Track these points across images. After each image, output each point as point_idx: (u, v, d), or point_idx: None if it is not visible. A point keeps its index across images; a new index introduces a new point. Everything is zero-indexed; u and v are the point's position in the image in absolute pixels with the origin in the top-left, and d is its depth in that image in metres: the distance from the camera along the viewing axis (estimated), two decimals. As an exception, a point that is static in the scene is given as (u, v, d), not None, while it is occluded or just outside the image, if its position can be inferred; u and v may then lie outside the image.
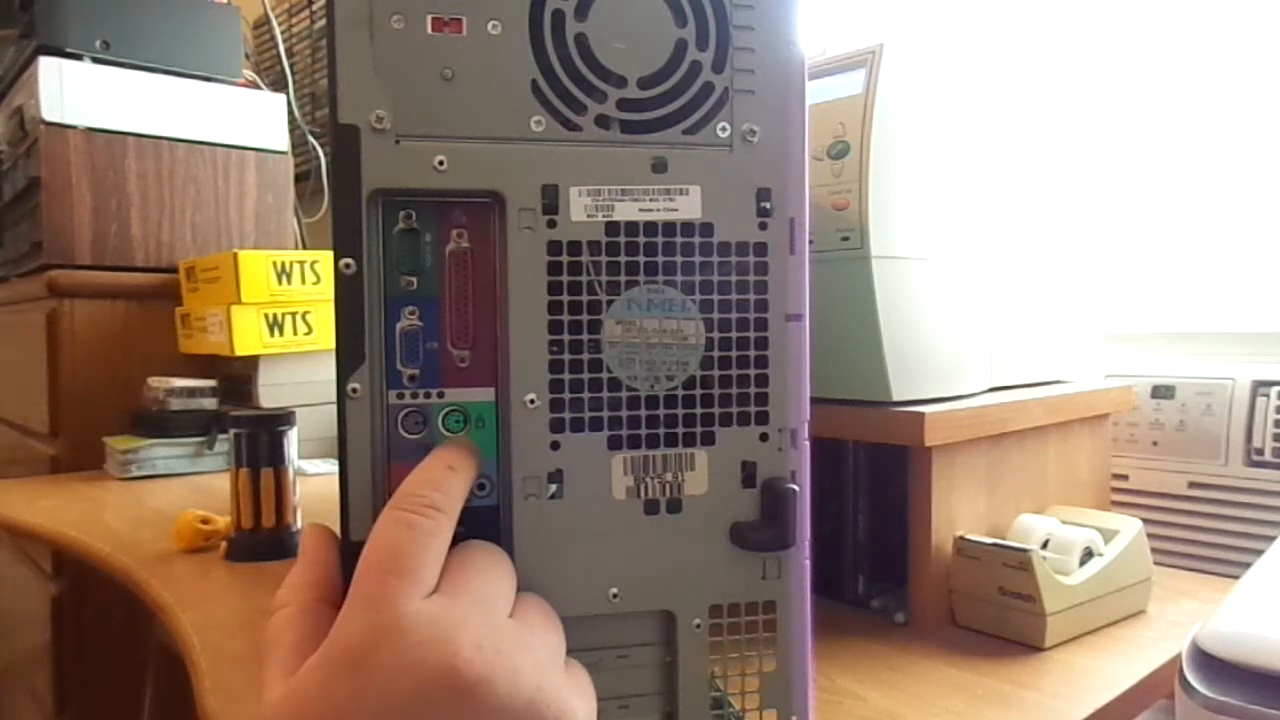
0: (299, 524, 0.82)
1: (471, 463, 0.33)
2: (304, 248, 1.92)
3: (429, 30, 0.32)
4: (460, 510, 0.31)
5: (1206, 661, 0.41)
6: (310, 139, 1.95)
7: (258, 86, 1.72)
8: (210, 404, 1.25)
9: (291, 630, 0.29)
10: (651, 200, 0.34)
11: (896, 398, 0.64)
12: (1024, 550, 0.60)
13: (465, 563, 0.31)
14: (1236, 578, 0.55)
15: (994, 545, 0.62)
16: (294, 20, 2.06)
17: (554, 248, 0.33)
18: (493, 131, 0.33)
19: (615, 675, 0.35)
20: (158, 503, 1.02)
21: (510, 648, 0.29)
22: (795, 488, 0.35)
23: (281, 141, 1.61)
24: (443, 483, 0.31)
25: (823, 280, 0.63)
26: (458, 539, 0.33)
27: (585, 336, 0.34)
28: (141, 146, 1.44)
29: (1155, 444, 0.87)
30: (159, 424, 1.20)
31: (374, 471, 0.33)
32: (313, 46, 2.01)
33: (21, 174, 1.44)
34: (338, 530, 0.33)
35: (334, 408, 0.32)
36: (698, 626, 0.35)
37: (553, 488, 0.34)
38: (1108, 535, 0.67)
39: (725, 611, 0.36)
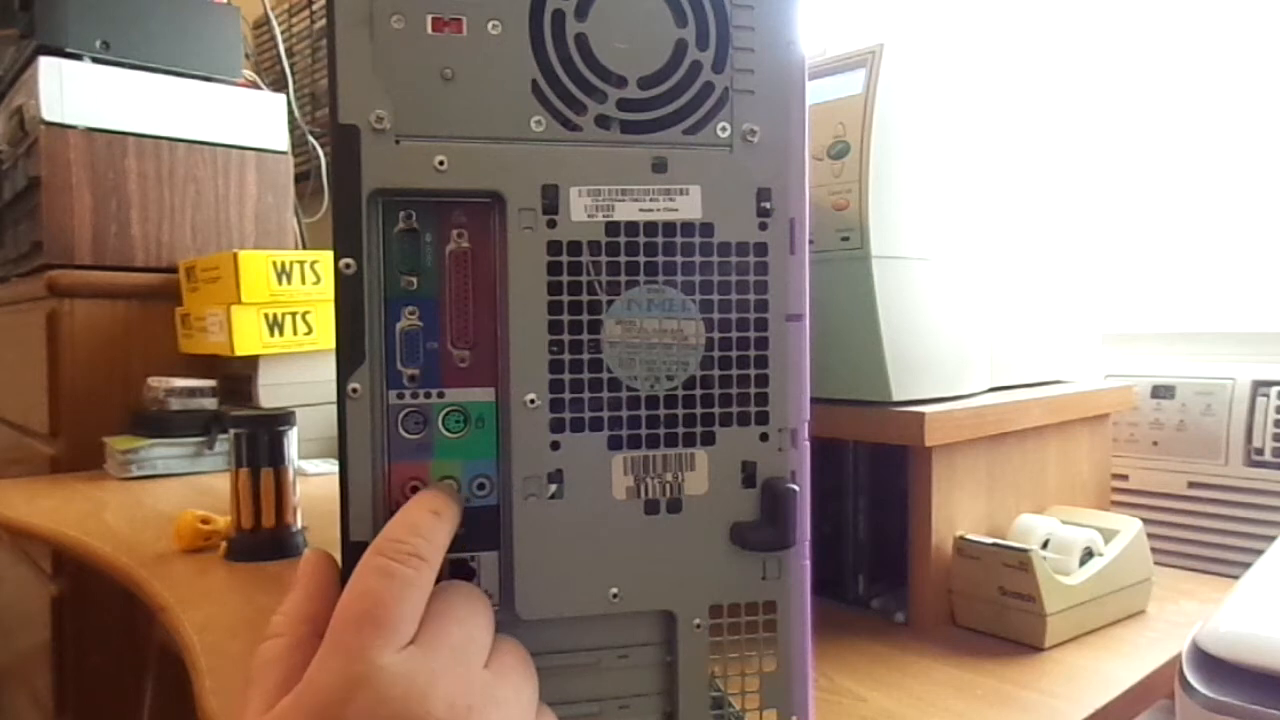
0: (299, 524, 0.82)
1: (456, 509, 0.32)
2: (304, 248, 1.92)
3: (429, 30, 0.32)
4: (442, 557, 0.31)
5: (1206, 661, 0.41)
6: (310, 139, 1.95)
7: (258, 86, 1.72)
8: (210, 404, 1.25)
9: (281, 663, 0.29)
10: (651, 200, 0.34)
11: (896, 398, 0.64)
12: (1024, 550, 0.60)
13: (444, 611, 0.30)
14: (1236, 578, 0.55)
15: (994, 545, 0.62)
16: (294, 20, 2.06)
17: (554, 248, 0.33)
18: (493, 131, 0.33)
19: (615, 675, 0.35)
20: (158, 503, 1.02)
21: (483, 704, 0.29)
22: (795, 488, 0.35)
23: (281, 141, 1.61)
24: (426, 529, 0.31)
25: (823, 280, 0.63)
26: (457, 540, 0.33)
27: (585, 336, 0.34)
28: (141, 146, 1.44)
29: (1155, 444, 0.87)
30: (159, 424, 1.20)
31: (374, 471, 0.33)
32: (313, 46, 2.01)
33: (21, 174, 1.44)
34: (338, 530, 0.33)
35: (334, 408, 0.32)
36: (698, 626, 0.35)
37: (553, 488, 0.34)
38: (1108, 535, 0.67)
39: (725, 611, 0.35)
